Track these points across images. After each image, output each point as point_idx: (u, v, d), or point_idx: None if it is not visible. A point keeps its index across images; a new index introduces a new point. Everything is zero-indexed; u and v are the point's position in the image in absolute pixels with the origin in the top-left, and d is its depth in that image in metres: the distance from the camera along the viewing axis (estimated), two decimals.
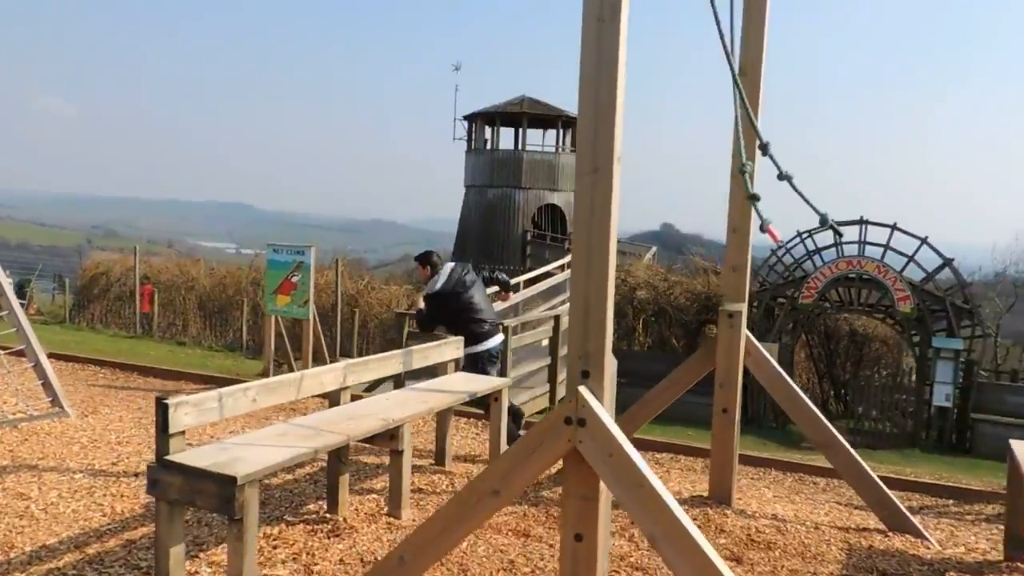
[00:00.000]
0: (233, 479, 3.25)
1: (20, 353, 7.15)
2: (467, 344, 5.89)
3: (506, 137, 27.36)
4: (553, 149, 26.43)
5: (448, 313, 6.07)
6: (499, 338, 6.26)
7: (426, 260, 6.30)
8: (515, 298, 14.21)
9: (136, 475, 5.15)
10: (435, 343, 5.55)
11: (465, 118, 26.54)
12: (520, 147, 25.63)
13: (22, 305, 22.93)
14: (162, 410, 3.38)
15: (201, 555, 3.88)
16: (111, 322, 20.51)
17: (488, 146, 26.38)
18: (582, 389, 2.64)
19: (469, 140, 26.69)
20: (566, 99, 26.71)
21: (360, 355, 16.03)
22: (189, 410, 3.52)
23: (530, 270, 24.64)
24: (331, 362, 4.71)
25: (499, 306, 9.74)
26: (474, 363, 6.01)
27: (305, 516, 4.46)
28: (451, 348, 5.60)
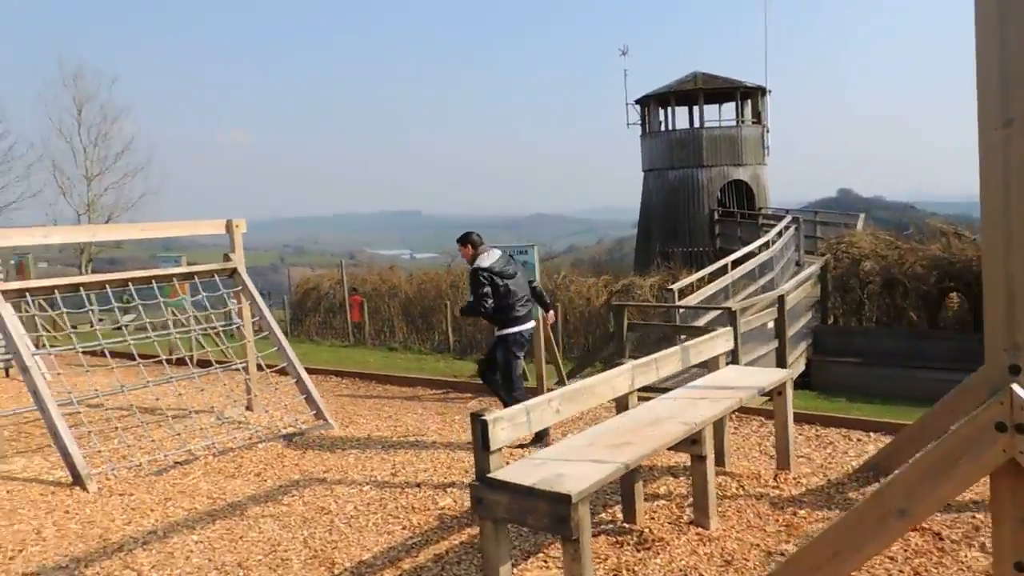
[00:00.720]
0: (567, 497, 3.09)
1: (282, 371, 7.56)
2: (502, 326, 6.20)
3: (681, 117, 26.43)
4: (732, 123, 25.22)
5: (493, 292, 6.09)
6: (532, 324, 6.47)
7: (467, 239, 6.40)
8: (723, 280, 13.57)
9: (418, 486, 5.20)
10: (706, 336, 5.21)
11: (637, 102, 25.92)
12: (698, 125, 24.65)
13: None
14: (481, 427, 3.28)
15: (514, 570, 3.78)
16: (326, 333, 21.80)
17: (663, 128, 25.62)
18: (1016, 388, 2.20)
19: (643, 124, 26.04)
20: (740, 71, 25.39)
21: (567, 351, 15.94)
22: (505, 425, 3.41)
23: (720, 250, 23.70)
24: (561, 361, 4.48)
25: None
26: (503, 345, 6.20)
27: (602, 526, 4.28)
28: (722, 341, 5.25)
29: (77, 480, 5.51)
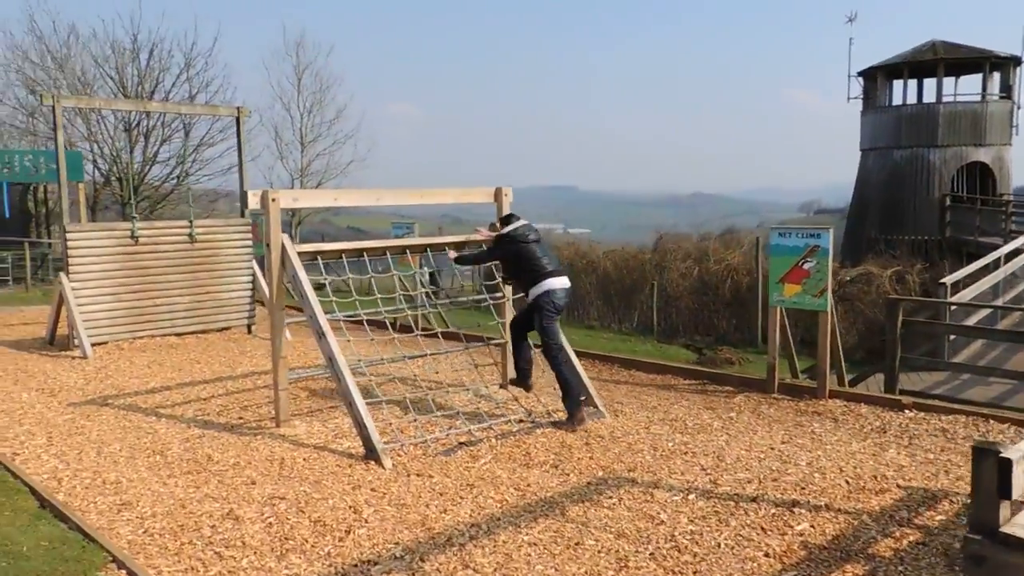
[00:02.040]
0: None
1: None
2: (532, 284, 6.16)
3: (900, 91, 23.83)
4: (977, 97, 22.47)
5: (513, 257, 6.26)
6: (562, 282, 6.26)
7: (507, 220, 6.49)
8: (995, 276, 11.90)
9: (753, 500, 4.54)
10: None
11: (860, 74, 23.71)
12: (935, 99, 22.16)
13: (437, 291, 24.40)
14: (998, 466, 2.53)
15: None
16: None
17: (889, 102, 23.29)
18: None
19: (866, 98, 23.82)
20: (982, 39, 22.52)
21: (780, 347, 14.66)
22: None
23: (951, 239, 21.33)
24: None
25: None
26: (537, 309, 6.14)
27: None
28: None
29: (371, 454, 5.29)
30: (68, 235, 9.46)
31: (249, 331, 11.04)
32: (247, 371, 8.38)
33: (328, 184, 24.68)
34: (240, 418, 6.48)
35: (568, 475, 5.02)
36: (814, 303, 7.29)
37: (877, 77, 23.17)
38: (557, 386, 6.36)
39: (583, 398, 6.40)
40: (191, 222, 10.39)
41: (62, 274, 9.61)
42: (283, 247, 5.97)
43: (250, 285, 10.93)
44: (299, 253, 6.03)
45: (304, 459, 5.35)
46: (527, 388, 6.60)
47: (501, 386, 7.37)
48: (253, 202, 5.92)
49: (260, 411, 6.69)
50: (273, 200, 5.90)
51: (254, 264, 11.05)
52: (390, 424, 5.99)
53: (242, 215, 11.06)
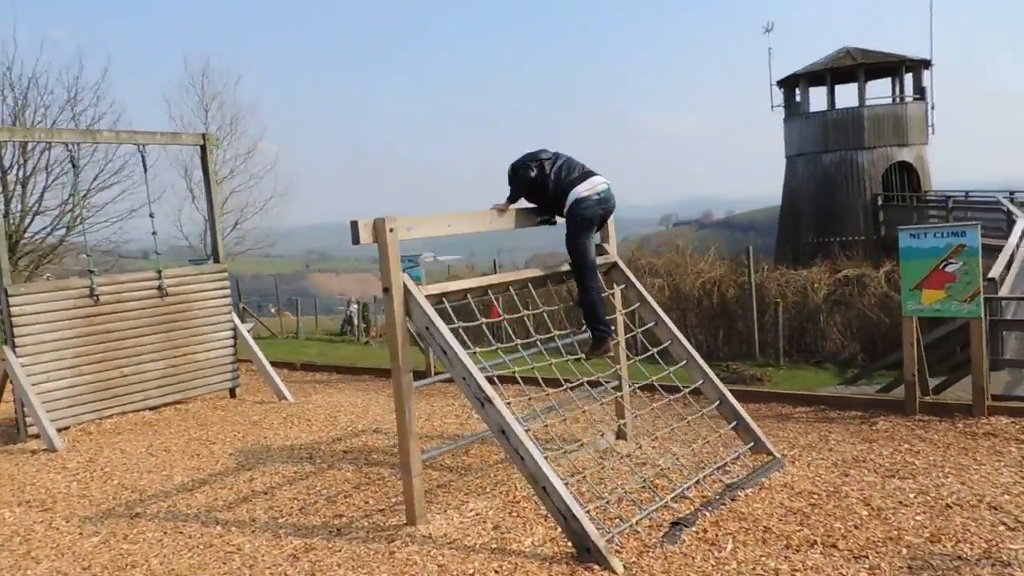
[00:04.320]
0: None
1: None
2: (563, 194, 5.23)
3: (817, 98, 24.43)
4: (895, 100, 23.22)
5: (531, 182, 5.27)
6: (593, 184, 5.27)
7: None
8: (1017, 268, 11.71)
9: None
10: None
11: (780, 83, 24.08)
12: (859, 103, 22.69)
13: (364, 329, 22.85)
14: None
15: None
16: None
17: (808, 108, 23.70)
18: None
19: (787, 106, 24.18)
20: (890, 44, 23.37)
21: (792, 355, 13.96)
22: None
23: (884, 238, 21.79)
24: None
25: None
26: (571, 222, 5.23)
27: None
28: None
29: (588, 555, 3.93)
30: (11, 299, 7.46)
31: (232, 395, 9.23)
32: (281, 445, 6.73)
33: (246, 224, 22.49)
34: (339, 516, 4.92)
35: (860, 555, 3.87)
36: (962, 310, 6.49)
37: (799, 84, 23.55)
38: (680, 429, 5.20)
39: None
40: (159, 272, 8.54)
41: (5, 347, 7.56)
42: (406, 290, 4.54)
43: (231, 342, 9.15)
44: (431, 295, 4.61)
45: (491, 573, 3.92)
46: (606, 351, 5.48)
47: (617, 436, 6.13)
48: (365, 235, 4.45)
49: (359, 503, 5.15)
50: (391, 230, 4.46)
51: (234, 316, 9.28)
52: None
53: (215, 260, 9.26)
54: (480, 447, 6.21)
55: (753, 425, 5.63)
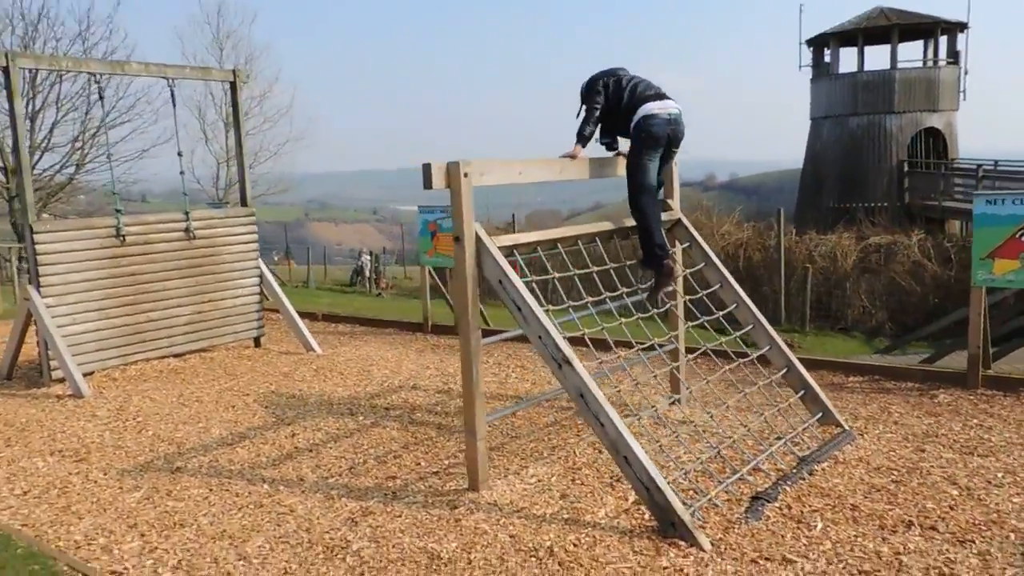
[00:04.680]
0: None
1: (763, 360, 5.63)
2: (631, 113, 4.88)
3: (846, 60, 23.73)
4: (929, 63, 22.57)
5: (601, 101, 4.93)
6: (665, 106, 4.88)
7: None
8: None
9: None
10: None
11: (810, 42, 23.39)
12: (891, 65, 22.05)
13: (371, 280, 22.60)
14: None
15: None
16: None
17: (837, 69, 23.04)
18: None
19: (815, 66, 23.53)
20: (927, 5, 22.69)
21: (819, 320, 13.53)
22: None
23: (908, 206, 21.38)
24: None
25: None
26: (635, 140, 4.88)
27: None
28: None
29: (672, 529, 3.69)
30: (36, 236, 7.14)
31: (257, 344, 8.98)
32: (318, 399, 6.48)
33: (259, 168, 22.04)
34: (392, 477, 4.69)
35: (964, 540, 3.62)
36: None
37: (828, 44, 22.89)
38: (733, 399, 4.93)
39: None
40: (187, 213, 8.21)
41: (30, 287, 7.27)
42: (478, 240, 4.22)
43: (258, 289, 8.86)
44: (503, 247, 4.30)
45: (570, 547, 3.68)
46: (669, 276, 5.17)
47: (672, 402, 5.88)
48: (438, 179, 4.12)
49: (409, 464, 4.91)
50: (465, 175, 4.13)
51: (261, 263, 8.98)
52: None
53: (243, 203, 8.92)
54: (526, 409, 5.95)
55: (822, 395, 5.37)
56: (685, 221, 5.74)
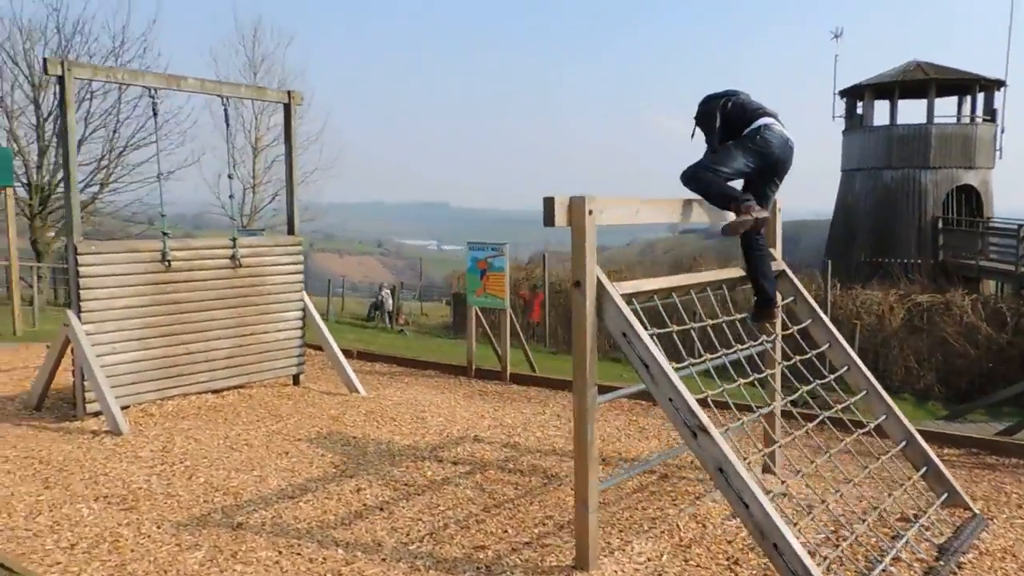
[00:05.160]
0: None
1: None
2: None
3: (880, 111, 23.50)
4: (966, 119, 22.34)
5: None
6: (783, 131, 4.54)
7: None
8: None
9: None
10: None
11: (843, 93, 23.22)
12: (928, 120, 21.82)
13: (391, 315, 22.13)
14: None
15: None
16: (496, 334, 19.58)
17: (872, 122, 22.82)
18: None
19: (848, 117, 23.34)
20: (962, 62, 22.49)
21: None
22: None
23: (944, 263, 20.99)
24: None
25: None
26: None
27: None
28: None
29: None
30: (80, 257, 6.73)
31: (296, 382, 8.51)
32: (376, 448, 5.99)
33: (283, 195, 21.75)
34: (481, 547, 4.19)
35: None
36: None
37: (864, 95, 22.70)
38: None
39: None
40: (235, 240, 7.81)
41: (69, 312, 6.83)
42: (599, 286, 3.79)
43: (301, 323, 8.42)
44: (626, 295, 3.86)
45: None
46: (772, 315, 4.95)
47: (765, 470, 5.39)
48: (561, 215, 3.70)
49: (496, 532, 4.41)
50: (590, 212, 3.71)
51: (305, 296, 8.55)
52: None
53: (290, 231, 8.52)
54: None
55: (947, 473, 4.88)
56: (790, 273, 5.32)
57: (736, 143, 4.54)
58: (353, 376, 8.28)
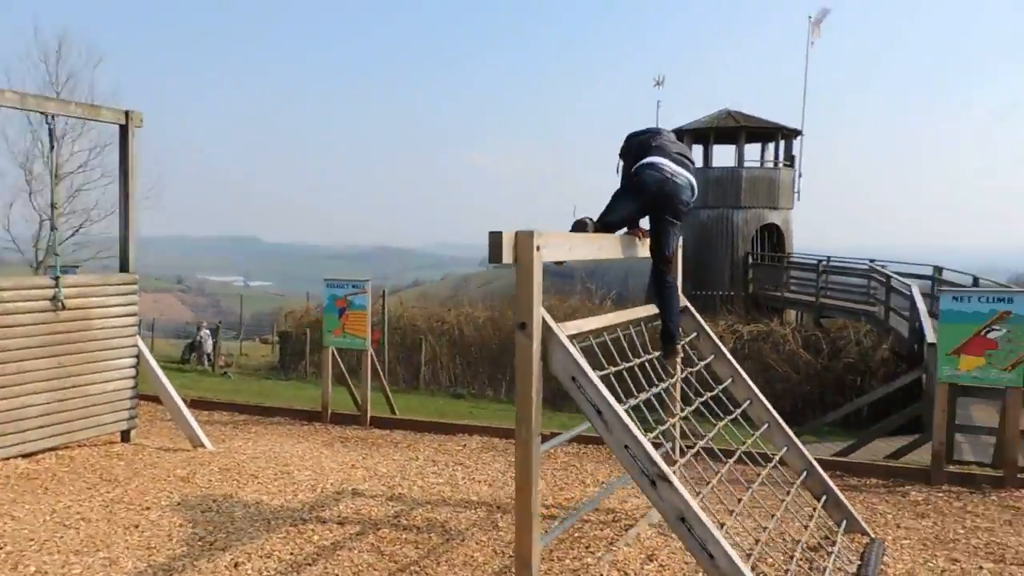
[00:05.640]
0: None
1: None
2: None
3: (697, 154, 25.21)
4: (769, 164, 24.40)
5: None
6: (681, 170, 4.61)
7: None
8: None
9: None
10: None
11: None
12: (738, 163, 23.60)
13: (209, 358, 20.94)
14: None
15: None
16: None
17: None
18: None
19: None
20: (767, 111, 24.68)
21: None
22: None
23: (754, 295, 22.64)
24: None
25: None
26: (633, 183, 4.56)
27: None
28: None
29: None
30: None
31: (126, 439, 7.43)
32: (243, 512, 5.23)
33: (93, 226, 19.54)
34: None
35: None
36: (1002, 378, 6.23)
37: (683, 139, 24.18)
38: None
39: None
40: (57, 279, 6.72)
41: None
42: (545, 327, 3.46)
43: (134, 372, 7.39)
44: (574, 335, 3.56)
45: None
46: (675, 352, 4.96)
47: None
48: (508, 252, 3.35)
49: None
50: (537, 248, 3.40)
51: (139, 341, 7.54)
52: None
53: (123, 268, 7.47)
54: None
55: (844, 500, 4.98)
56: (691, 309, 5.28)
57: (619, 188, 4.58)
58: (197, 428, 7.36)
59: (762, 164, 24.60)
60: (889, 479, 6.52)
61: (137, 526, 4.97)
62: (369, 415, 8.63)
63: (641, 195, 4.47)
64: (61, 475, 6.24)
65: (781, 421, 5.10)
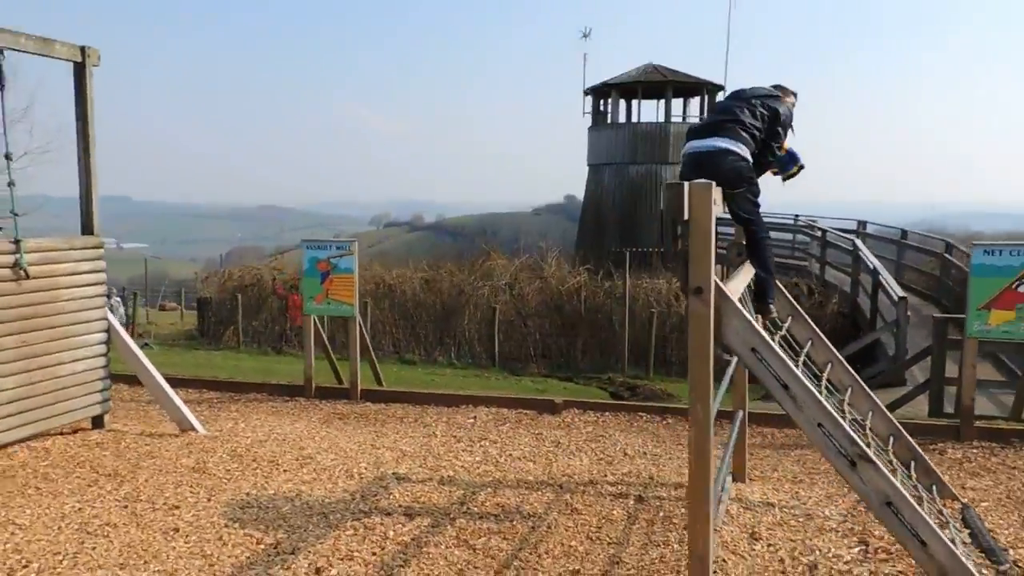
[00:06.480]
0: None
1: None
2: None
3: (621, 110, 25.17)
4: (685, 119, 24.56)
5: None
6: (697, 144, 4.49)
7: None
8: None
9: None
10: None
11: (589, 91, 24.36)
12: (665, 118, 23.63)
13: (126, 327, 19.64)
14: None
15: None
16: (263, 342, 17.79)
17: (617, 119, 24.23)
18: None
19: (595, 115, 24.54)
20: (691, 66, 24.75)
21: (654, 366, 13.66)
22: None
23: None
24: None
25: None
26: None
27: None
28: None
29: None
30: None
31: (99, 424, 6.61)
32: (292, 504, 4.67)
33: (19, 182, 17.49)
34: None
35: None
36: None
37: (610, 94, 23.99)
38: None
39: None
40: (18, 243, 5.80)
41: None
42: (718, 292, 3.10)
43: (106, 348, 6.55)
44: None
45: None
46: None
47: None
48: (684, 207, 2.95)
49: None
50: (715, 203, 3.02)
51: (108, 313, 6.67)
52: None
53: (87, 231, 6.54)
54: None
55: (932, 464, 4.88)
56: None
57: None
58: (186, 410, 6.61)
59: (684, 119, 24.76)
60: (923, 437, 6.53)
61: (177, 530, 4.32)
62: (359, 388, 8.05)
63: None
64: (44, 471, 5.43)
65: (864, 384, 4.93)
